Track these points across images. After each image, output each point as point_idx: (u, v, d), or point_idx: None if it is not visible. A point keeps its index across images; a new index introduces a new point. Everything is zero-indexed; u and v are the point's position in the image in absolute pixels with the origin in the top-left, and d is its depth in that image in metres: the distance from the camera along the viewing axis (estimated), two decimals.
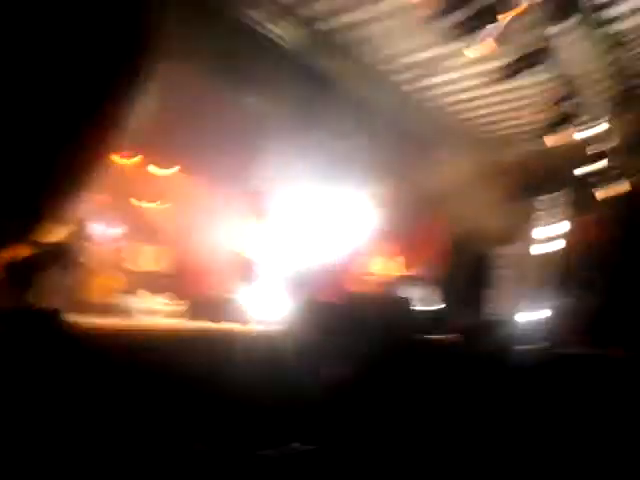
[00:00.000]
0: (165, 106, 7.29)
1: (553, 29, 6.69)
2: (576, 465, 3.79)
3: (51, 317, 4.35)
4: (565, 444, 3.95)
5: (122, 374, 4.23)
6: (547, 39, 6.87)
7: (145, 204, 8.68)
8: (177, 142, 8.00)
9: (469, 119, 9.50)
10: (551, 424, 4.29)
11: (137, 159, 8.30)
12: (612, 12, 6.76)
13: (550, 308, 8.62)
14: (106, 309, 7.02)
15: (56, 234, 6.38)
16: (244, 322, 7.34)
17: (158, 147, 8.22)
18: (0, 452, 3.15)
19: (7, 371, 3.59)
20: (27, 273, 5.21)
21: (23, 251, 5.62)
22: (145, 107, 7.15)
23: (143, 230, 8.21)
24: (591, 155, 8.48)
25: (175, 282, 8.56)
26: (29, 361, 3.79)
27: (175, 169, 8.89)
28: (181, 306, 7.76)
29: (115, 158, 8.30)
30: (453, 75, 8.31)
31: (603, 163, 8.55)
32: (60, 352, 4.08)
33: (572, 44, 7.16)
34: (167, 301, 7.64)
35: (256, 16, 7.04)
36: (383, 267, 9.41)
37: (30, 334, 4.03)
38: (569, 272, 9.00)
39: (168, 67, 7.06)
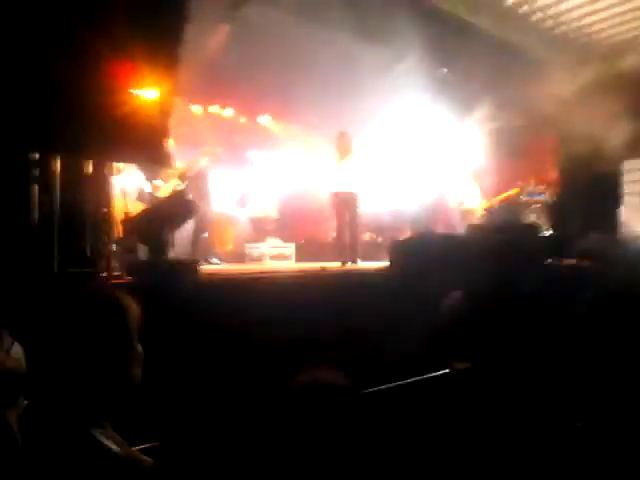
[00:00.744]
0: (254, 56, 7.34)
1: None
2: None
3: (190, 268, 4.56)
4: None
5: (252, 316, 4.34)
6: None
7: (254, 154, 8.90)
8: (270, 91, 8.06)
9: (586, 26, 8.80)
10: None
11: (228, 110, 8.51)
12: None
13: None
14: (233, 256, 7.34)
15: (169, 185, 6.68)
16: (354, 260, 7.38)
17: (253, 98, 8.34)
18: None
19: (153, 318, 3.77)
20: (153, 228, 5.42)
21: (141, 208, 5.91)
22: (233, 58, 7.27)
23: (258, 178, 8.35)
24: None
25: (285, 226, 8.76)
26: (172, 309, 3.96)
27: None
28: (293, 248, 7.95)
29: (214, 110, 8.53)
30: None
31: None
32: (199, 300, 4.26)
33: None
34: (284, 244, 7.84)
35: None
36: (498, 195, 9.07)
37: (173, 284, 4.22)
38: None
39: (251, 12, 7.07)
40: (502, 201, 8.95)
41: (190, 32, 4.36)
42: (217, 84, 7.68)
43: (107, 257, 4.37)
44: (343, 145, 7.13)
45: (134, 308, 1.52)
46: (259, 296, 4.67)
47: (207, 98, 8.48)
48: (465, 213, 8.80)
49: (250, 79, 7.59)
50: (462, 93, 8.53)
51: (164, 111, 4.27)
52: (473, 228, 7.07)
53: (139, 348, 1.51)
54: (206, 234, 7.08)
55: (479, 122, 9.08)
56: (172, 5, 4.09)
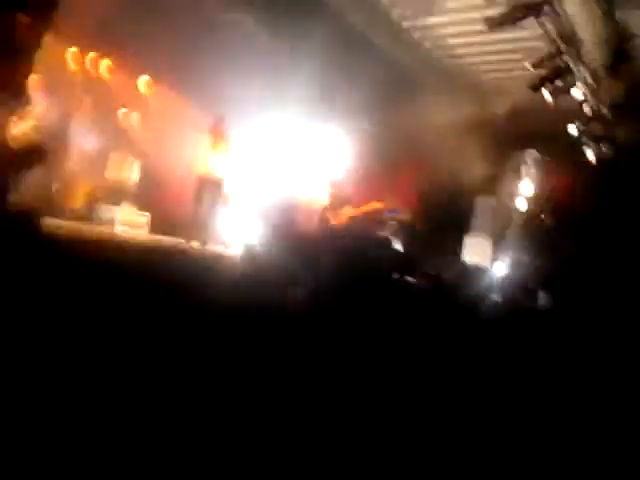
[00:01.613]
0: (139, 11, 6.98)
1: None
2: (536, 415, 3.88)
3: (28, 220, 4.22)
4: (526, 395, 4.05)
5: (92, 280, 4.15)
6: None
7: (122, 112, 8.43)
8: (150, 50, 7.69)
9: (461, 64, 9.37)
10: (517, 372, 4.38)
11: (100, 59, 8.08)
12: None
13: (518, 262, 8.87)
14: (83, 215, 6.90)
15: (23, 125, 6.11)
16: (208, 242, 7.33)
17: (130, 53, 7.91)
18: None
19: None
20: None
21: None
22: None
23: (120, 139, 7.89)
24: (579, 115, 8.48)
25: (144, 194, 8.43)
26: (6, 263, 3.68)
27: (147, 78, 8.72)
28: (147, 218, 7.69)
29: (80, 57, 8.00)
30: (451, 17, 8.16)
31: (589, 125, 8.59)
32: (36, 255, 3.98)
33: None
34: (138, 212, 7.51)
35: None
36: (360, 205, 9.32)
37: (8, 236, 3.90)
38: (538, 230, 9.21)
39: None
40: (366, 212, 9.18)
41: None
42: (101, 34, 7.19)
43: None
44: (218, 132, 7.07)
45: None
46: (106, 260, 4.45)
47: (85, 44, 7.89)
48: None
49: (135, 34, 7.19)
50: (347, 103, 8.73)
51: (30, 38, 3.90)
52: (331, 231, 7.24)
53: None
54: (56, 186, 6.60)
55: (357, 133, 9.38)
56: None
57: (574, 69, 7.78)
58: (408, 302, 5.17)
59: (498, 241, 9.58)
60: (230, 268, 6.16)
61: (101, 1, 6.88)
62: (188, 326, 3.84)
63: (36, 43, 4.22)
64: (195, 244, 7.03)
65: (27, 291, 3.59)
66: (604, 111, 8.63)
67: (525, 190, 9.61)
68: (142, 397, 2.59)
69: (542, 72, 7.60)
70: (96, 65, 8.20)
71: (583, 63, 8.02)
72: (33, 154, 5.38)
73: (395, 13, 8.37)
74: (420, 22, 8.45)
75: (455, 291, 5.80)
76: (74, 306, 3.69)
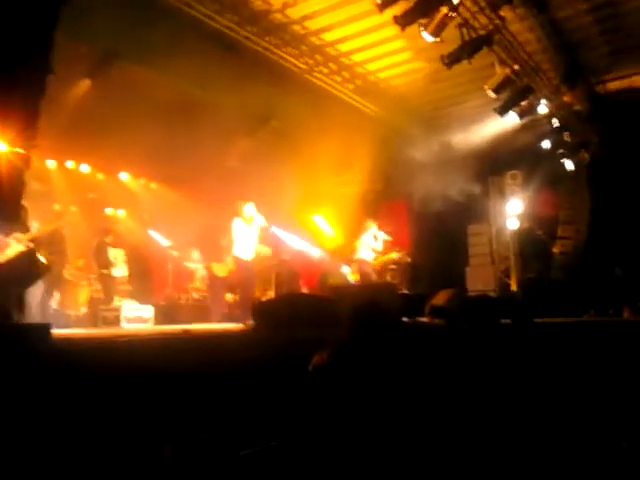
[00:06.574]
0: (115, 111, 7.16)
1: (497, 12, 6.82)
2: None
3: (40, 332, 4.19)
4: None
5: (111, 384, 4.11)
6: (491, 23, 6.99)
7: (113, 210, 8.61)
8: (131, 147, 7.85)
9: (428, 103, 9.70)
10: (545, 400, 4.29)
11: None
12: None
13: (521, 283, 8.91)
14: (88, 318, 6.88)
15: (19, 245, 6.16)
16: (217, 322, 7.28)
17: (110, 152, 8.09)
18: None
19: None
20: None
21: None
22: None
23: (114, 236, 7.97)
24: (548, 130, 8.71)
25: (142, 286, 8.47)
26: (19, 376, 3.64)
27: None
28: (151, 311, 7.66)
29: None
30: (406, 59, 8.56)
31: (559, 137, 8.81)
32: (50, 366, 3.94)
33: (517, 26, 7.35)
34: (141, 307, 7.50)
35: None
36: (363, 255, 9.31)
37: (20, 350, 3.87)
38: (535, 247, 9.29)
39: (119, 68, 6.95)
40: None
41: (51, 85, 4.16)
42: (75, 139, 7.36)
43: None
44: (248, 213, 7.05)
45: None
46: (119, 362, 4.41)
47: (64, 153, 8.10)
48: None
49: (110, 135, 7.36)
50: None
51: (19, 166, 4.00)
52: (335, 288, 7.26)
53: None
54: (57, 295, 6.62)
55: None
56: (33, 56, 3.88)
57: (534, 87, 8.02)
58: (425, 342, 5.12)
59: (499, 264, 9.65)
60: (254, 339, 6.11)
61: (72, 108, 7.04)
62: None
63: (25, 165, 4.30)
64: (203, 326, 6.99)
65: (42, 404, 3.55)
66: (572, 121, 8.87)
67: (514, 210, 9.72)
68: None
69: (504, 96, 7.80)
70: (77, 169, 8.41)
71: (542, 80, 8.30)
72: (30, 268, 5.40)
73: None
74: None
75: (468, 323, 5.75)
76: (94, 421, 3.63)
